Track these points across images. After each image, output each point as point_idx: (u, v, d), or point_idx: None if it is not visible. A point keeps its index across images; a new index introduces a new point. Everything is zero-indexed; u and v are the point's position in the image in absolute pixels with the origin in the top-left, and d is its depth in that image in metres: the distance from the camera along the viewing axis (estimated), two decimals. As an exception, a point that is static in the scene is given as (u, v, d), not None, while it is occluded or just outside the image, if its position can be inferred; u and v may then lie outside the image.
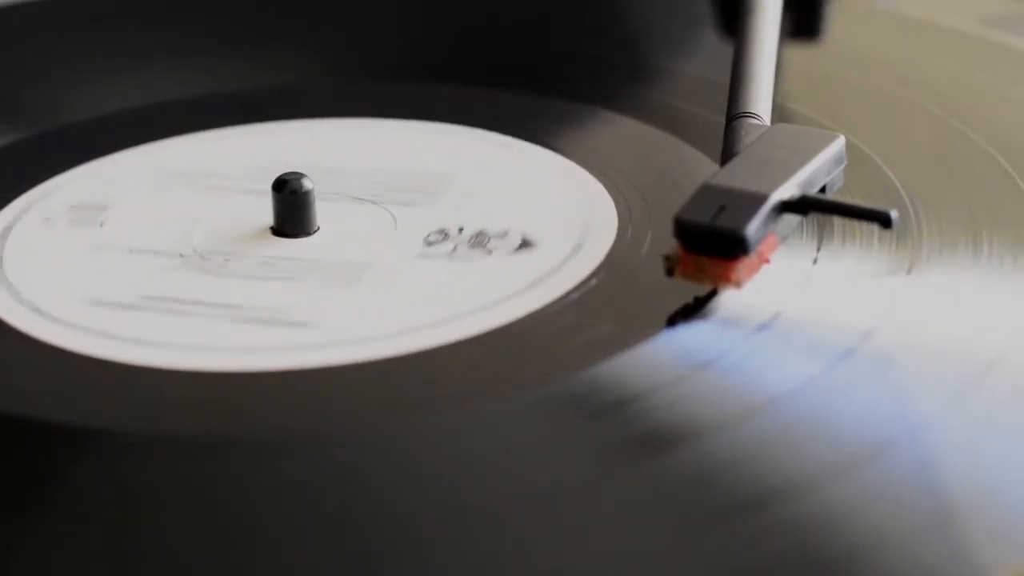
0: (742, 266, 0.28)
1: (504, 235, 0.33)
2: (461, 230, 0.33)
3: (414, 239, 0.33)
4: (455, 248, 0.32)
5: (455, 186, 0.35)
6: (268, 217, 0.33)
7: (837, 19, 0.43)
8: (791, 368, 0.28)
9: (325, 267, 0.32)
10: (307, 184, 0.33)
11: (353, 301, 0.31)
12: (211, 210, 0.34)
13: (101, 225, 0.34)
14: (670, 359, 0.28)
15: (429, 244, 0.33)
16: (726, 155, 0.32)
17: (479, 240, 0.33)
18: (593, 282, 0.31)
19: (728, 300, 0.29)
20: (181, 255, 0.32)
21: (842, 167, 0.31)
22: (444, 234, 0.33)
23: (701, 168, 0.34)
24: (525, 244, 0.32)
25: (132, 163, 0.37)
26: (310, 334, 0.30)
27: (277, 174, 0.33)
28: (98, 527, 0.25)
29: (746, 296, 0.29)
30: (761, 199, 0.29)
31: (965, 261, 0.31)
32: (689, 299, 0.29)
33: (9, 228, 0.34)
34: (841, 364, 0.28)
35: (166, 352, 0.29)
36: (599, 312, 0.30)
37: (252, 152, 0.37)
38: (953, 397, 0.27)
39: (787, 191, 0.29)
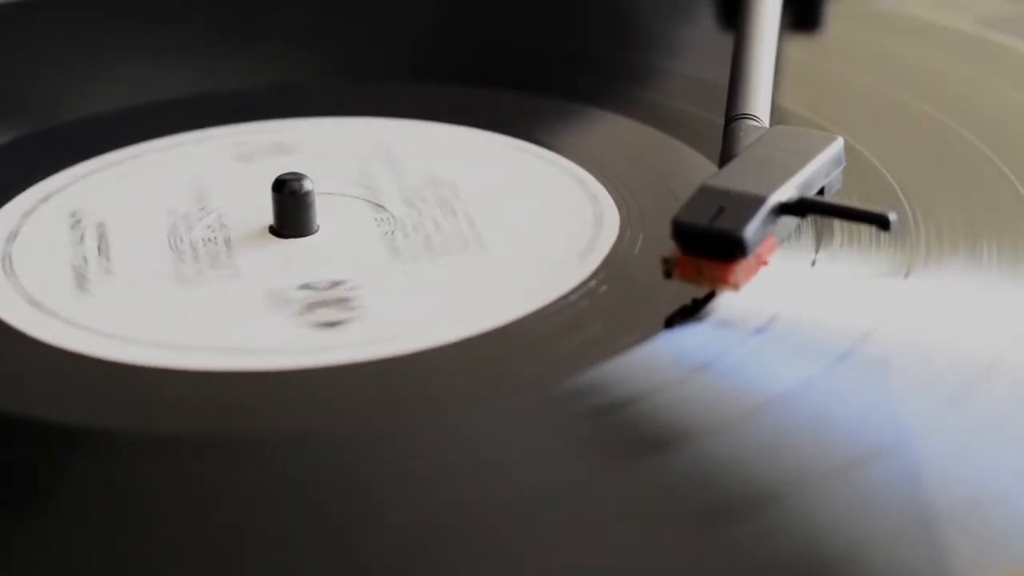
0: (740, 268, 0.28)
1: (503, 232, 0.33)
2: (461, 228, 0.33)
3: (414, 237, 0.33)
4: (453, 245, 0.32)
5: (455, 186, 0.35)
6: (267, 217, 0.33)
7: (836, 20, 0.43)
8: (789, 370, 0.28)
9: (335, 264, 0.32)
10: (307, 184, 0.33)
11: (385, 293, 0.31)
12: (210, 211, 0.34)
13: (97, 231, 0.34)
14: (669, 361, 0.28)
15: (430, 240, 0.33)
16: (725, 157, 0.32)
17: (478, 238, 0.33)
18: (592, 283, 0.31)
19: (726, 302, 0.29)
20: (182, 256, 0.33)
21: (841, 169, 0.31)
22: (442, 230, 0.33)
23: (700, 169, 0.34)
24: (523, 240, 0.32)
25: (129, 164, 0.37)
26: (359, 327, 0.30)
27: (276, 175, 0.33)
28: (98, 527, 0.25)
29: (744, 298, 0.29)
30: (759, 201, 0.29)
31: (963, 263, 0.31)
32: (687, 301, 0.29)
33: (14, 233, 0.34)
34: (839, 366, 0.28)
35: (166, 352, 0.29)
36: (598, 313, 0.30)
37: (250, 152, 0.37)
38: (951, 399, 0.27)
39: (785, 193, 0.29)
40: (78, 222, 0.34)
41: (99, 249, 0.33)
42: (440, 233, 0.33)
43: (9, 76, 0.42)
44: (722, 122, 0.33)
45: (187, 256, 0.33)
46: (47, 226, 0.34)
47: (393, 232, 0.33)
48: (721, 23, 0.42)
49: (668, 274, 0.29)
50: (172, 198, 0.35)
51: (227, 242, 0.33)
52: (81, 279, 0.32)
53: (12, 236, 0.34)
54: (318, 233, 0.33)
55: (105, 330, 0.30)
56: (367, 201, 0.35)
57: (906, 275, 0.30)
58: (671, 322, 0.29)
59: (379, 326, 0.30)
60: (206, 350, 0.29)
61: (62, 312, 0.31)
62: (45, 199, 0.35)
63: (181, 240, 0.33)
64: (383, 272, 0.32)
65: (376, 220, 0.34)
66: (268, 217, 0.33)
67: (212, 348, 0.29)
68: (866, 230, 0.31)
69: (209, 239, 0.33)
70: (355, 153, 0.37)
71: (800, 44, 0.42)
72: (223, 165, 0.37)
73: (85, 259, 0.33)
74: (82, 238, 0.33)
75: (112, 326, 0.30)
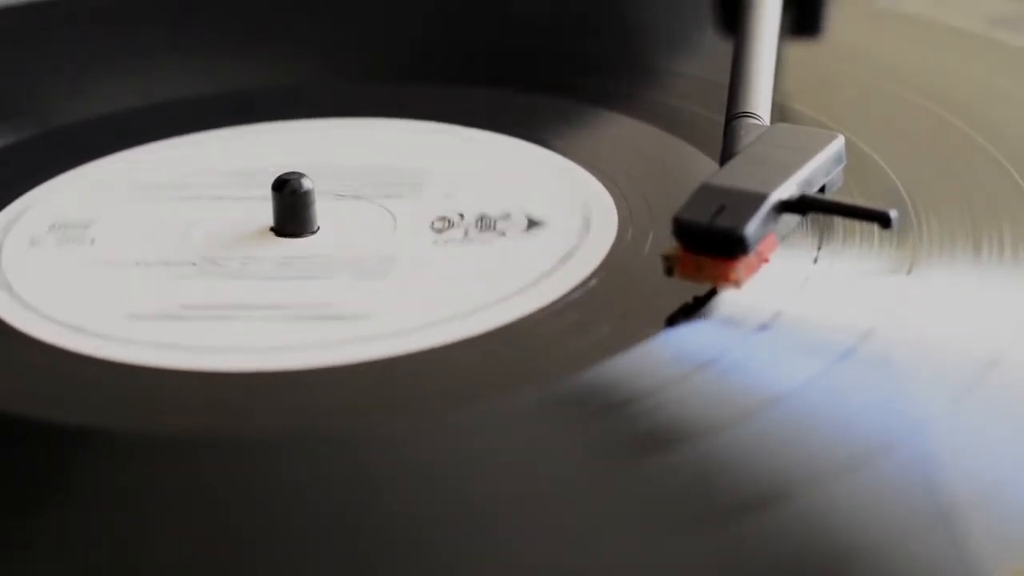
0: (741, 266, 0.28)
1: (502, 232, 0.33)
2: (461, 228, 0.33)
3: (418, 233, 0.33)
4: (453, 245, 0.32)
5: (455, 186, 0.35)
6: (265, 218, 0.33)
7: (837, 17, 0.43)
8: (791, 368, 0.28)
9: (348, 263, 0.32)
10: (307, 184, 0.33)
11: (385, 293, 0.31)
12: (209, 213, 0.34)
13: (92, 242, 0.34)
14: (670, 359, 0.28)
15: (437, 232, 0.33)
16: (725, 155, 0.32)
17: (478, 239, 0.33)
18: (593, 282, 0.31)
19: (728, 300, 0.29)
20: (192, 263, 0.32)
21: (841, 167, 0.31)
22: (448, 222, 0.33)
23: (700, 168, 0.34)
24: (533, 224, 0.33)
25: (127, 165, 0.37)
26: (360, 327, 0.30)
27: (275, 174, 0.33)
28: (98, 527, 0.25)
29: (746, 296, 0.29)
30: (760, 199, 0.29)
31: (965, 261, 0.31)
32: (689, 299, 0.29)
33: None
34: (841, 364, 0.28)
35: (167, 352, 0.29)
36: (599, 312, 0.30)
37: (250, 152, 0.37)
38: (953, 397, 0.27)
39: (786, 191, 0.29)
40: (64, 231, 0.34)
41: (96, 258, 0.33)
42: (440, 233, 0.33)
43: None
44: (723, 120, 0.33)
45: (194, 260, 0.32)
46: (31, 237, 0.34)
47: (393, 229, 0.33)
48: (721, 25, 0.42)
49: (669, 272, 0.29)
50: (167, 202, 0.35)
51: (230, 244, 0.33)
52: (110, 294, 0.31)
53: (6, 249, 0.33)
54: (319, 233, 0.33)
55: (112, 334, 0.30)
56: (366, 200, 0.35)
57: (908, 272, 0.30)
58: (673, 320, 0.29)
59: (379, 326, 0.30)
60: (209, 351, 0.29)
61: (63, 318, 0.30)
62: (28, 212, 0.35)
63: (183, 244, 0.33)
64: (406, 264, 0.32)
65: (375, 219, 0.34)
66: (265, 218, 0.33)
67: (213, 348, 0.29)
68: (867, 228, 0.31)
69: (211, 243, 0.33)
70: (354, 153, 0.37)
71: (801, 43, 0.42)
72: (222, 165, 0.37)
73: (80, 264, 0.32)
74: (71, 242, 0.33)
75: (118, 330, 0.30)
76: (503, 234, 0.33)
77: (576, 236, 0.32)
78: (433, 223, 0.33)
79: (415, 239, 0.33)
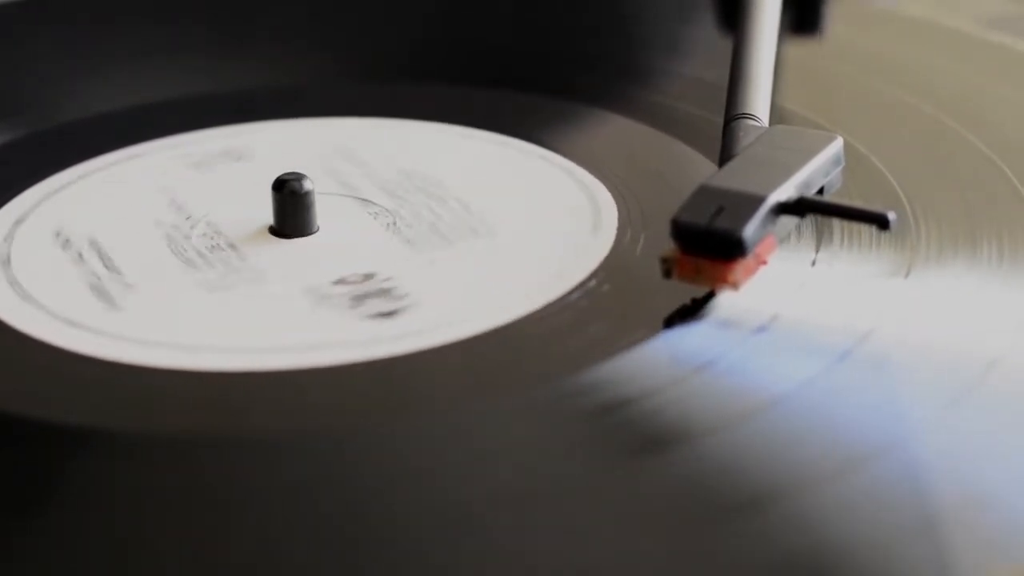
0: (739, 268, 0.28)
1: (502, 232, 0.33)
2: (462, 227, 0.33)
3: (415, 238, 0.33)
4: (454, 244, 0.32)
5: (455, 186, 0.35)
6: (265, 218, 0.33)
7: (836, 19, 0.43)
8: (789, 370, 0.28)
9: (353, 261, 0.32)
10: (307, 184, 0.33)
11: (412, 286, 0.31)
12: (207, 214, 0.34)
13: (89, 245, 0.33)
14: (668, 360, 0.28)
15: (431, 241, 0.33)
16: (724, 156, 0.32)
17: (478, 238, 0.33)
18: (592, 283, 0.31)
19: (726, 302, 0.29)
20: (194, 264, 0.32)
21: (840, 168, 0.31)
22: (444, 231, 0.33)
23: (699, 169, 0.34)
24: (522, 240, 0.33)
25: (124, 166, 0.37)
26: (396, 321, 0.30)
27: (275, 175, 0.33)
28: (98, 527, 0.25)
29: (744, 298, 0.29)
30: (759, 201, 0.29)
31: (963, 263, 0.31)
32: (687, 301, 0.29)
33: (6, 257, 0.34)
34: (839, 366, 0.28)
35: (167, 352, 0.29)
36: (598, 313, 0.30)
37: (250, 152, 0.37)
38: (950, 399, 0.27)
39: (785, 193, 0.29)
40: (67, 241, 0.34)
41: (105, 265, 0.32)
42: (441, 234, 0.33)
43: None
44: (721, 122, 0.33)
45: (199, 264, 0.32)
46: (38, 246, 0.33)
47: (393, 229, 0.33)
48: (720, 26, 0.42)
49: (667, 274, 0.29)
50: (150, 208, 0.35)
51: (232, 246, 0.33)
52: (103, 295, 0.31)
53: (5, 260, 0.33)
54: (319, 233, 0.33)
55: (106, 330, 0.30)
56: (365, 200, 0.35)
57: (906, 275, 0.30)
58: (671, 322, 0.29)
59: (373, 327, 0.30)
60: (205, 350, 0.29)
61: (95, 326, 0.30)
62: (19, 221, 0.35)
63: (185, 249, 0.33)
64: (401, 267, 0.32)
65: (375, 219, 0.34)
66: (262, 218, 0.33)
67: (213, 348, 0.29)
68: (866, 230, 0.31)
69: (213, 245, 0.33)
70: (353, 153, 0.37)
71: (800, 44, 0.42)
72: (222, 165, 0.37)
73: (97, 276, 0.32)
74: (80, 256, 0.33)
75: (153, 335, 0.30)
76: (503, 234, 0.33)
77: (575, 237, 0.32)
78: (432, 221, 0.34)
79: (416, 237, 0.33)
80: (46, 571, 0.24)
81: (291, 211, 0.33)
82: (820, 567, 0.24)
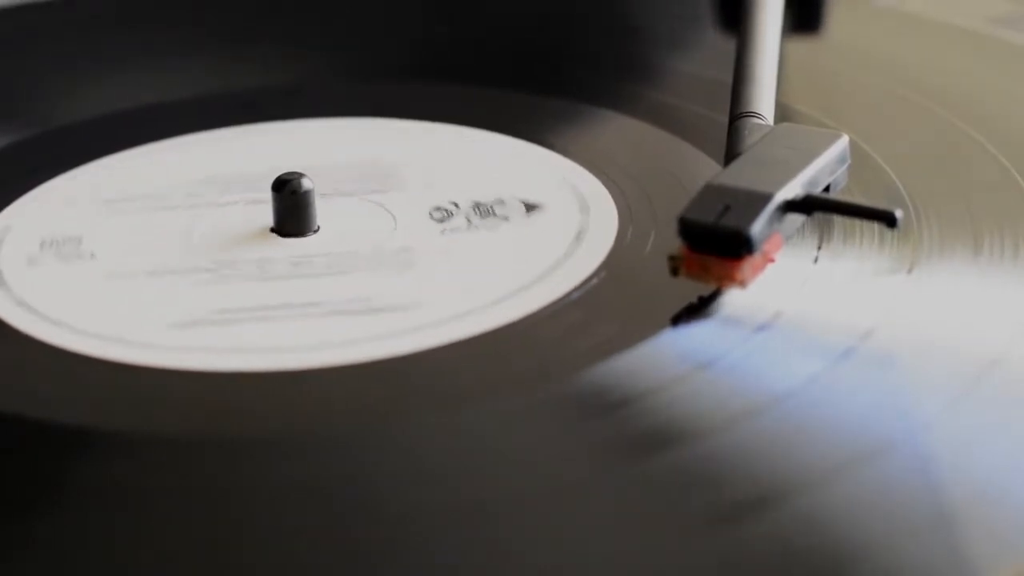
0: (747, 265, 0.28)
1: (502, 232, 0.33)
2: (461, 228, 0.33)
3: (415, 237, 0.33)
4: (454, 245, 0.32)
5: (454, 186, 0.35)
6: (265, 218, 0.33)
7: (838, 17, 0.43)
8: (792, 368, 0.28)
9: (358, 260, 0.32)
10: (307, 184, 0.33)
11: (418, 282, 0.31)
12: (207, 214, 0.34)
13: (92, 256, 0.33)
14: (670, 359, 0.28)
15: (440, 226, 0.33)
16: (730, 155, 0.32)
17: (478, 238, 0.33)
18: (594, 282, 0.31)
19: (729, 300, 0.29)
20: (207, 269, 0.32)
21: (846, 166, 0.31)
22: (443, 232, 0.33)
23: (701, 168, 0.34)
24: (522, 240, 0.32)
25: (124, 167, 0.37)
26: (402, 319, 0.30)
27: (275, 174, 0.33)
28: (98, 527, 0.25)
29: (747, 296, 0.29)
30: (765, 199, 0.29)
31: (966, 261, 0.31)
32: (689, 299, 0.29)
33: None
34: (842, 364, 0.28)
35: (169, 353, 0.29)
36: (599, 312, 0.30)
37: (250, 152, 0.37)
38: (953, 397, 0.27)
39: (791, 191, 0.29)
40: (60, 246, 0.33)
41: (110, 271, 0.32)
42: (441, 234, 0.33)
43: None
44: (724, 120, 0.33)
45: (205, 265, 0.32)
46: (27, 252, 0.33)
47: (393, 229, 0.33)
48: (722, 25, 0.42)
49: (675, 272, 0.29)
50: (164, 203, 0.35)
51: (235, 247, 0.33)
52: (104, 298, 0.31)
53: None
54: (320, 232, 0.33)
55: (113, 336, 0.30)
56: (364, 200, 0.34)
57: (908, 272, 0.30)
58: (673, 320, 0.29)
59: (379, 325, 0.30)
60: (206, 351, 0.29)
61: (94, 329, 0.30)
62: (19, 221, 0.34)
63: (189, 252, 0.33)
64: (389, 268, 0.32)
65: (375, 219, 0.34)
66: (260, 219, 0.33)
67: (213, 348, 0.29)
68: (868, 227, 0.31)
69: (217, 247, 0.33)
70: (353, 153, 0.37)
71: (803, 43, 0.42)
72: (221, 165, 0.36)
73: (92, 279, 0.32)
74: (76, 257, 0.33)
75: (120, 332, 0.30)
76: (503, 234, 0.33)
77: (576, 236, 0.32)
78: (431, 213, 0.33)
79: (417, 236, 0.33)
80: (46, 571, 0.24)
81: (291, 211, 0.33)
82: (824, 566, 0.24)
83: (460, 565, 0.24)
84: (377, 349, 0.29)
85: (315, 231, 0.33)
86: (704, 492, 0.25)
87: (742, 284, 0.29)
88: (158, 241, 0.33)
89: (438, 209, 0.34)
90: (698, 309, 0.29)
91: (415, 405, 0.28)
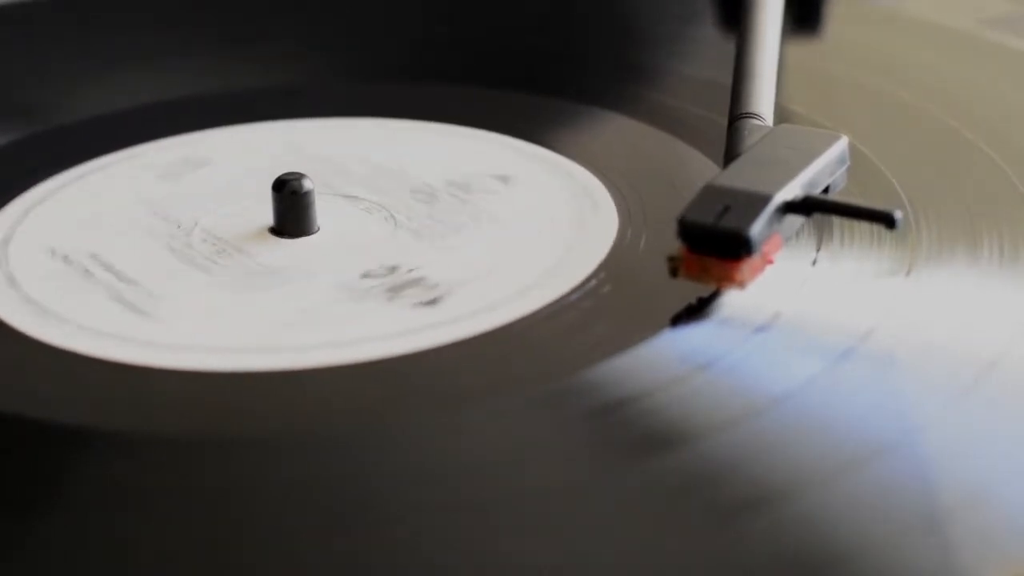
0: (746, 266, 0.28)
1: (503, 232, 0.33)
2: (461, 227, 0.33)
3: (416, 236, 0.33)
4: (455, 244, 0.32)
5: (454, 186, 0.35)
6: (264, 218, 0.33)
7: (838, 18, 0.43)
8: (791, 369, 0.28)
9: (360, 260, 0.32)
10: (307, 184, 0.33)
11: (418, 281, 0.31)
12: (207, 214, 0.34)
13: (91, 259, 0.33)
14: (669, 359, 0.28)
15: (432, 240, 0.33)
16: (729, 156, 0.32)
17: (478, 238, 0.33)
18: (593, 282, 0.31)
19: (728, 301, 0.29)
20: (208, 269, 0.32)
21: (845, 168, 0.31)
22: (444, 232, 0.33)
23: (700, 168, 0.34)
24: (522, 240, 0.32)
25: (123, 166, 0.37)
26: (402, 319, 0.30)
27: (275, 174, 0.33)
28: (98, 527, 0.25)
29: (746, 297, 0.29)
30: (765, 200, 0.29)
31: (964, 262, 0.31)
32: (688, 299, 0.29)
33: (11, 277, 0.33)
34: (841, 365, 0.28)
35: (169, 353, 0.29)
36: (599, 312, 0.30)
37: (250, 153, 0.37)
38: (952, 398, 0.27)
39: (791, 192, 0.29)
40: (66, 257, 0.33)
41: (119, 278, 0.32)
42: (440, 234, 0.33)
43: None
44: (724, 121, 0.33)
45: (214, 269, 0.32)
46: (37, 263, 0.33)
47: (393, 229, 0.33)
48: (721, 25, 0.42)
49: (674, 273, 0.29)
50: (135, 219, 0.34)
51: (239, 249, 0.33)
52: (130, 306, 0.31)
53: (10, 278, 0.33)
54: (320, 232, 0.33)
55: (105, 331, 0.30)
56: (364, 200, 0.34)
57: (907, 273, 0.30)
58: (673, 321, 0.29)
59: (379, 325, 0.30)
60: (206, 350, 0.29)
61: (127, 333, 0.30)
62: (5, 241, 0.34)
63: (193, 256, 0.33)
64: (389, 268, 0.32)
65: (375, 219, 0.34)
66: (259, 220, 0.33)
67: (213, 348, 0.29)
68: (867, 229, 0.31)
69: (219, 250, 0.33)
70: (353, 153, 0.37)
71: (802, 44, 0.42)
72: (222, 165, 0.36)
73: (116, 288, 0.32)
74: (87, 270, 0.32)
75: (192, 339, 0.30)
76: (504, 234, 0.33)
77: (576, 236, 0.32)
78: (431, 221, 0.33)
79: (416, 236, 0.33)
80: (46, 571, 0.24)
81: (291, 211, 0.33)
82: (822, 566, 0.24)
83: (460, 565, 0.24)
84: (377, 349, 0.29)
85: (315, 232, 0.33)
86: (703, 492, 0.25)
87: (741, 285, 0.29)
88: (156, 241, 0.33)
89: (438, 209, 0.34)
90: (697, 310, 0.29)
91: (415, 405, 0.28)
